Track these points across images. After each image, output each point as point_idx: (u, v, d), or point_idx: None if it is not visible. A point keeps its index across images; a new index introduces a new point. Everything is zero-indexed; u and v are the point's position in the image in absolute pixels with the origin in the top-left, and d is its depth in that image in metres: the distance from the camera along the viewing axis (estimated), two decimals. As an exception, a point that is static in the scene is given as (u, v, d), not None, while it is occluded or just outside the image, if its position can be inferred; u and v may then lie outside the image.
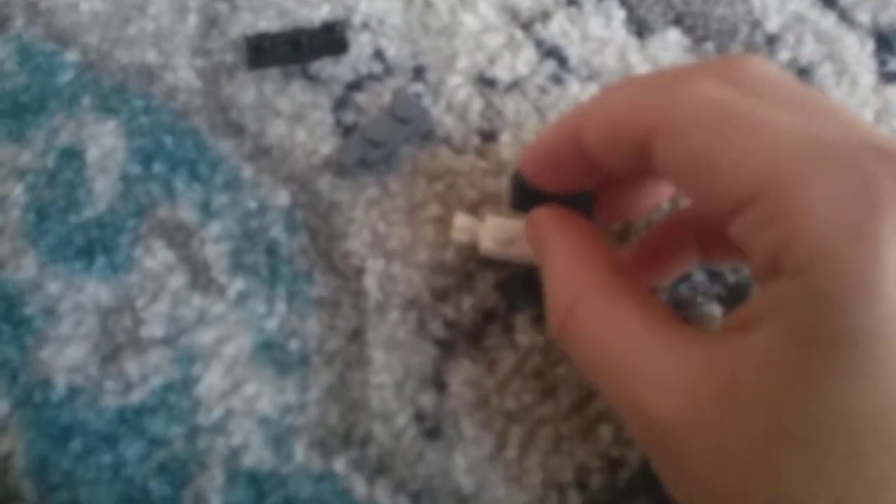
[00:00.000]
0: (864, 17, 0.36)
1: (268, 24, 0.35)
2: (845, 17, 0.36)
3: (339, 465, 0.27)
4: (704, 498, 0.20)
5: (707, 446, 0.19)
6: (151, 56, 0.34)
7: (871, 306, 0.17)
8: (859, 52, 0.35)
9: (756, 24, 0.35)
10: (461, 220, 0.29)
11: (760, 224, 0.19)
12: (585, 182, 0.25)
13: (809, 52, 0.35)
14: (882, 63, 0.35)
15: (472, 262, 0.30)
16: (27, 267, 0.30)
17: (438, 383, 0.28)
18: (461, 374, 0.28)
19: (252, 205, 0.31)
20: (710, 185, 0.20)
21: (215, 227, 0.31)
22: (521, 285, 0.30)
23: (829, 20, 0.36)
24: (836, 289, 0.17)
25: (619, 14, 0.36)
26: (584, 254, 0.24)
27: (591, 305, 0.22)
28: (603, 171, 0.24)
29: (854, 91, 0.34)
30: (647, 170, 0.22)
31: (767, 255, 0.19)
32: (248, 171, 0.32)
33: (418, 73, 0.34)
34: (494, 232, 0.29)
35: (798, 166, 0.18)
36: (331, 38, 0.34)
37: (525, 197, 0.26)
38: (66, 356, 0.29)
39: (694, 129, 0.20)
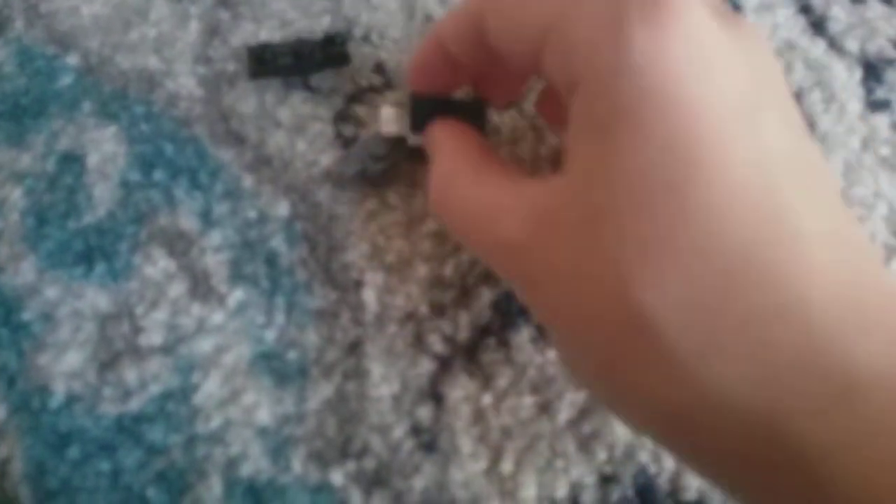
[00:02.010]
0: (852, 46, 0.37)
1: (269, 33, 0.35)
2: (834, 45, 0.37)
3: (337, 476, 0.28)
4: (550, 300, 0.23)
5: (545, 255, 0.22)
6: (152, 62, 0.34)
7: (621, 91, 0.20)
8: (847, 79, 0.36)
9: (749, 50, 0.36)
10: (388, 112, 0.30)
11: (551, 57, 0.23)
12: (456, 80, 0.29)
13: (799, 78, 0.36)
14: (869, 91, 0.36)
15: (471, 278, 0.31)
16: (26, 271, 0.30)
17: (435, 397, 0.29)
18: (458, 388, 0.29)
19: (252, 214, 0.31)
20: (519, 40, 0.24)
21: (215, 236, 0.31)
22: (517, 303, 0.30)
23: (818, 48, 0.37)
24: (597, 83, 0.21)
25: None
26: (458, 141, 0.27)
27: (463, 176, 0.26)
28: (464, 67, 0.28)
29: (842, 118, 0.35)
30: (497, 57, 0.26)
31: (563, 81, 0.23)
32: (248, 181, 0.32)
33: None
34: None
35: (562, 5, 0.22)
36: (333, 51, 0.34)
37: (421, 117, 0.29)
38: (64, 362, 0.29)
39: (503, 4, 0.24)
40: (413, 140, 0.29)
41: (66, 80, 0.34)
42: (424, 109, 0.29)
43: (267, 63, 0.33)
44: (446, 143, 0.28)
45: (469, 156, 0.27)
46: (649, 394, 0.20)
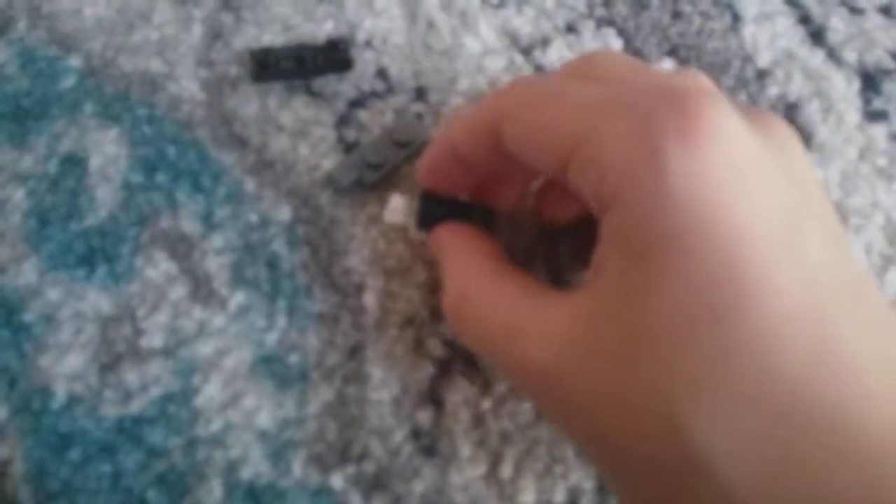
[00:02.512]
0: (851, 57, 0.37)
1: (272, 38, 0.35)
2: (833, 55, 0.37)
3: (337, 480, 0.28)
4: (590, 428, 0.22)
5: (580, 380, 0.21)
6: (155, 65, 0.34)
7: (662, 216, 0.20)
8: (846, 90, 0.36)
9: (747, 59, 0.37)
10: (396, 202, 0.30)
11: (581, 170, 0.22)
12: (468, 181, 0.28)
13: (798, 88, 0.36)
14: (867, 102, 0.36)
15: (471, 283, 0.31)
16: (27, 273, 0.30)
17: (435, 401, 0.29)
18: (457, 392, 0.29)
19: (254, 218, 0.31)
20: (542, 150, 0.24)
21: (217, 240, 0.31)
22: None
23: (817, 58, 0.37)
24: (635, 207, 0.20)
25: (617, 43, 0.37)
26: (472, 252, 0.27)
27: (478, 289, 0.25)
28: (476, 168, 0.27)
29: (840, 128, 0.35)
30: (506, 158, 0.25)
31: (594, 195, 0.22)
32: (250, 185, 0.32)
33: (420, 93, 0.35)
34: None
35: (593, 119, 0.22)
36: (336, 56, 0.34)
37: (429, 216, 0.29)
38: (65, 364, 0.29)
39: (525, 112, 0.24)
40: (416, 235, 0.30)
41: (68, 82, 0.34)
42: (433, 208, 0.29)
43: (270, 67, 0.33)
44: (459, 253, 0.27)
45: (483, 267, 0.26)
46: None
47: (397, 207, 0.30)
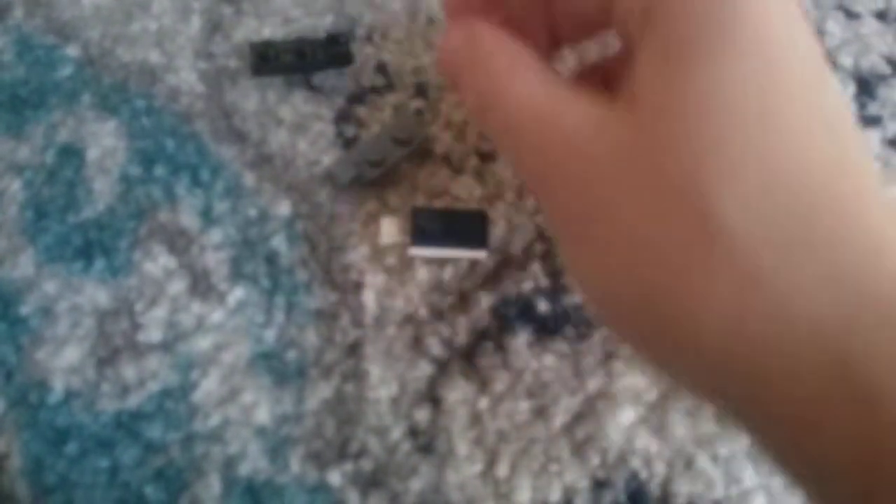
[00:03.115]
0: (846, 61, 0.37)
1: (272, 31, 0.35)
2: (829, 59, 0.37)
3: (334, 477, 0.28)
4: (608, 214, 0.22)
5: (611, 166, 0.22)
6: (154, 56, 0.34)
7: (701, 16, 0.21)
8: (841, 94, 0.37)
9: (746, 61, 0.37)
10: (388, 223, 0.31)
11: None
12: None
13: (795, 91, 0.36)
14: (862, 106, 0.36)
15: (469, 283, 0.31)
16: (24, 265, 0.30)
17: (433, 399, 0.29)
18: (455, 391, 0.29)
19: (253, 213, 0.31)
20: None
21: (216, 234, 0.31)
22: (515, 308, 0.31)
23: (814, 61, 0.37)
24: (673, 11, 0.21)
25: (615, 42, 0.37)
26: (518, 47, 0.25)
27: (525, 70, 0.24)
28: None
29: (835, 132, 0.36)
30: None
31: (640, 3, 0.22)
32: (249, 179, 0.32)
33: (420, 88, 0.34)
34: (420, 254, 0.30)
35: None
36: (336, 50, 0.34)
37: (423, 229, 0.30)
38: (62, 358, 0.29)
39: None
40: (413, 252, 0.30)
41: (65, 71, 0.33)
42: (426, 222, 0.30)
43: (269, 60, 0.33)
44: (503, 43, 0.25)
45: (530, 57, 0.25)
46: (712, 298, 0.20)
47: (390, 231, 0.31)
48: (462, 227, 0.30)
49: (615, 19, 0.24)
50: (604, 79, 0.27)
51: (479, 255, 0.30)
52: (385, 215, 0.31)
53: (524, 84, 0.24)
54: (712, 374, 0.21)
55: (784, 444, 0.21)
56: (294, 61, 0.33)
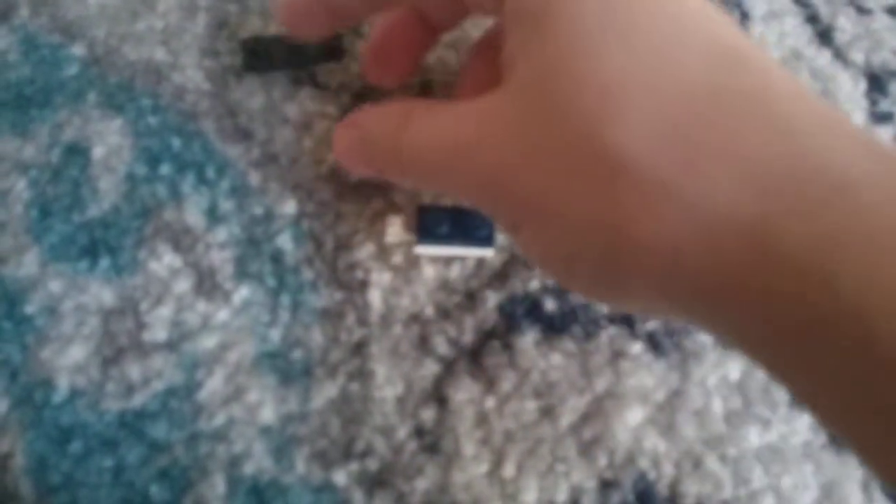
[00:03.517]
0: (857, 57, 0.37)
1: (278, 28, 0.35)
2: (840, 55, 0.37)
3: (340, 477, 0.28)
4: (532, 187, 0.22)
5: (506, 140, 0.23)
6: (159, 54, 0.34)
7: None
8: (852, 90, 0.36)
9: (755, 58, 0.36)
10: (394, 223, 0.31)
11: None
12: (328, 22, 0.29)
13: (805, 88, 0.36)
14: (873, 103, 0.36)
15: (475, 282, 0.31)
16: (29, 264, 0.30)
17: (439, 399, 0.29)
18: (461, 391, 0.29)
19: (258, 212, 0.31)
20: None
21: (221, 233, 0.31)
22: (522, 307, 0.30)
23: (824, 58, 0.37)
24: None
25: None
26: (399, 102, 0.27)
27: (421, 115, 0.26)
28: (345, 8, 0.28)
29: (846, 129, 0.35)
30: None
31: None
32: (254, 178, 0.32)
33: (425, 86, 0.34)
34: (426, 253, 0.30)
35: None
36: (327, 45, 0.34)
37: (429, 231, 0.30)
38: (67, 357, 0.28)
39: None
40: (420, 251, 0.30)
41: (71, 70, 0.33)
42: (432, 219, 0.30)
43: (260, 56, 0.33)
44: (373, 111, 0.28)
45: (401, 105, 0.27)
46: (643, 239, 0.20)
47: (396, 230, 0.31)
48: (469, 224, 0.29)
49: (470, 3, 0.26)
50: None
51: (487, 253, 0.30)
52: (391, 214, 0.31)
53: (417, 130, 0.25)
54: (662, 293, 0.21)
55: (728, 325, 0.21)
56: (285, 56, 0.33)
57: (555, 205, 0.22)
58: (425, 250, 0.30)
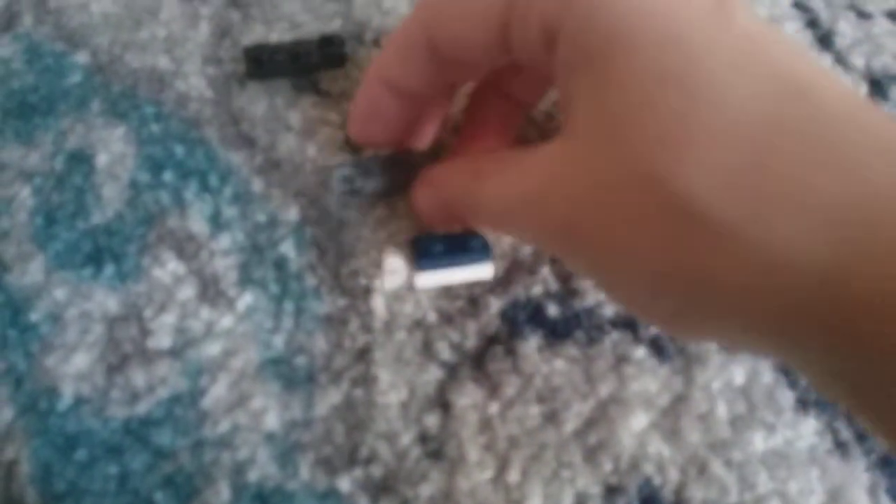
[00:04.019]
0: (858, 62, 0.37)
1: (280, 35, 0.35)
2: (841, 60, 0.37)
3: (344, 483, 0.28)
4: (581, 230, 0.23)
5: (569, 193, 0.23)
6: (163, 62, 0.34)
7: (604, 21, 0.22)
8: (853, 95, 0.36)
9: (756, 63, 0.37)
10: (392, 263, 0.30)
11: (522, 30, 0.24)
12: (403, 117, 0.29)
13: (806, 93, 0.36)
14: (874, 107, 0.36)
15: (478, 288, 0.31)
16: (34, 272, 0.30)
17: (443, 405, 0.29)
18: (465, 396, 0.29)
19: (262, 219, 0.31)
20: (478, 33, 0.25)
21: (225, 240, 0.31)
22: (525, 312, 0.30)
23: (825, 62, 0.37)
24: (579, 16, 0.22)
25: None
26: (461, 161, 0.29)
27: (491, 171, 0.26)
28: (411, 95, 0.28)
29: (847, 134, 0.35)
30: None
31: (543, 36, 0.23)
32: (258, 185, 0.32)
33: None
34: (425, 283, 0.30)
35: None
36: (330, 52, 0.34)
37: (425, 257, 0.29)
38: (72, 364, 0.29)
39: (450, 7, 0.25)
40: (420, 284, 0.30)
41: (74, 78, 0.33)
42: (427, 246, 0.29)
43: (263, 63, 0.33)
44: (449, 166, 0.29)
45: (474, 158, 0.28)
46: (717, 280, 0.20)
47: (396, 269, 0.30)
48: (463, 241, 0.29)
49: (525, 61, 0.25)
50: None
51: (486, 271, 0.30)
52: (388, 254, 0.31)
53: (491, 186, 0.26)
54: (743, 334, 0.21)
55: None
56: (288, 64, 0.33)
57: (630, 251, 0.22)
58: (425, 281, 0.30)
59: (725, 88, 0.20)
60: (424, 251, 0.29)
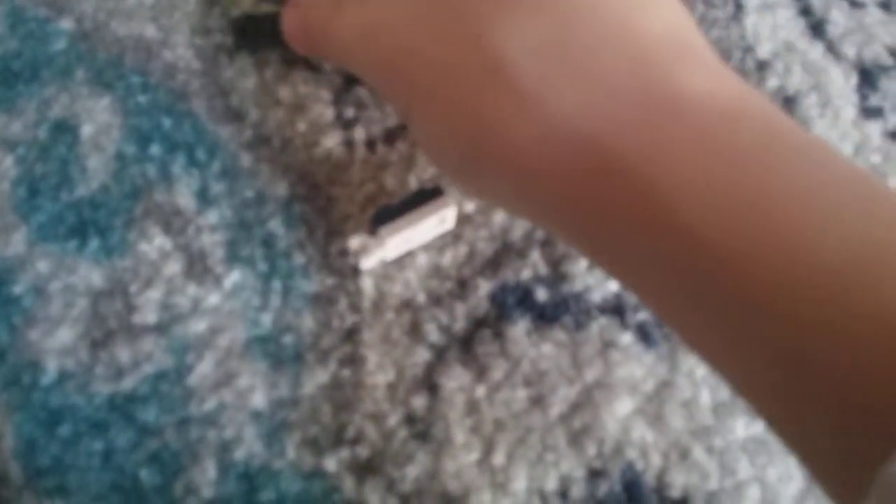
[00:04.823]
0: (849, 51, 0.37)
1: (270, 6, 0.34)
2: (832, 49, 0.37)
3: (330, 463, 0.28)
4: (421, 76, 0.25)
5: (406, 33, 0.25)
6: (149, 31, 0.33)
7: None
8: (843, 85, 0.36)
9: (748, 50, 0.37)
10: (354, 243, 0.30)
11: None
12: None
13: (797, 81, 0.36)
14: (863, 97, 0.36)
15: (467, 269, 0.31)
16: (16, 243, 0.29)
17: (430, 387, 0.29)
18: (452, 379, 0.29)
19: (249, 194, 0.31)
20: None
21: (212, 215, 0.30)
22: (514, 296, 0.30)
23: (816, 51, 0.37)
24: None
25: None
26: None
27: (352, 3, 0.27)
28: None
29: (836, 123, 0.35)
30: None
31: None
32: (246, 160, 0.31)
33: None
34: (393, 239, 0.29)
35: None
36: None
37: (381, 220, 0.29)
38: (56, 338, 0.28)
39: None
40: (390, 244, 0.29)
41: (59, 45, 0.33)
42: (384, 213, 0.29)
43: (248, 34, 0.33)
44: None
45: None
46: (506, 136, 0.22)
47: (362, 246, 0.29)
48: (420, 195, 0.29)
49: None
50: None
51: (447, 211, 0.29)
52: (353, 234, 0.30)
53: (346, 15, 0.27)
54: (517, 192, 0.24)
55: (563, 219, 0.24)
56: (277, 35, 0.33)
57: (437, 89, 0.24)
58: (390, 237, 0.29)
59: None
60: (380, 210, 0.29)
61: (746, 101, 0.21)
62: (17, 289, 0.29)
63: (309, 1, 0.29)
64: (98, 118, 0.31)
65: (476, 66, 0.23)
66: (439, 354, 0.29)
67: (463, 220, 0.31)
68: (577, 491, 0.28)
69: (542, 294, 0.31)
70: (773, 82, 0.36)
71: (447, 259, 0.31)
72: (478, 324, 0.30)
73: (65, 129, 0.31)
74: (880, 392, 0.17)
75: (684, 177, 0.20)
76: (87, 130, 0.31)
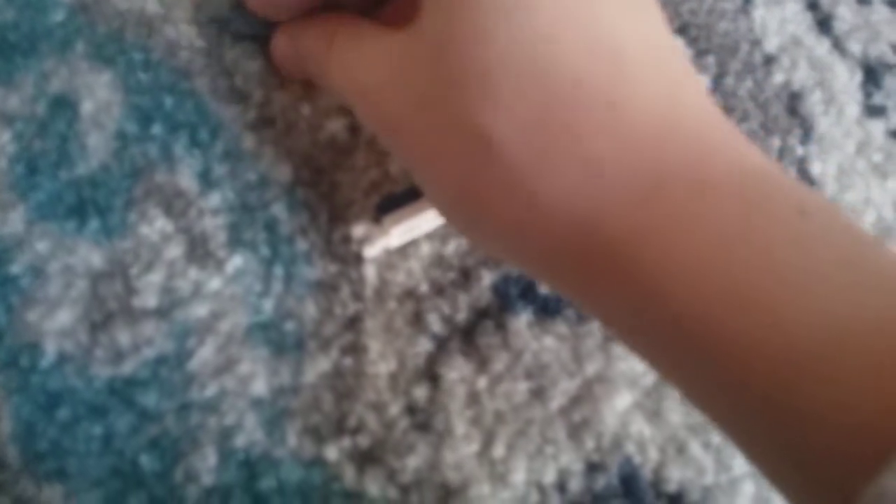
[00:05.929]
0: (855, 48, 0.37)
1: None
2: (838, 45, 0.37)
3: (331, 452, 0.28)
4: (412, 140, 0.25)
5: (399, 96, 0.24)
6: (151, 5, 0.32)
7: None
8: (848, 82, 0.36)
9: (756, 43, 0.36)
10: (360, 230, 0.30)
11: None
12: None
13: (803, 77, 0.36)
14: (868, 95, 0.36)
15: (472, 260, 0.30)
16: (14, 222, 0.29)
17: (432, 377, 0.29)
18: (454, 370, 0.29)
19: (252, 177, 0.30)
20: None
21: (214, 198, 0.30)
22: (517, 287, 0.30)
23: (823, 47, 0.37)
24: None
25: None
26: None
27: (344, 40, 0.27)
28: None
29: (840, 121, 0.35)
30: None
31: None
32: (249, 142, 0.31)
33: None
34: (397, 227, 0.29)
35: None
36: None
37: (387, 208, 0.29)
38: (55, 320, 0.28)
39: None
40: (394, 233, 0.29)
41: (58, 17, 0.32)
42: (389, 199, 0.30)
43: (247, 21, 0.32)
44: (312, 21, 0.29)
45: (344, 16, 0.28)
46: (495, 211, 0.23)
47: (365, 234, 0.30)
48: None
49: None
50: None
51: None
52: (356, 222, 0.30)
53: (341, 53, 0.26)
54: (518, 261, 0.25)
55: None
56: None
57: (434, 163, 0.24)
58: (395, 225, 0.29)
59: (544, 36, 0.22)
60: (385, 199, 0.29)
61: (732, 175, 0.21)
62: (15, 268, 0.28)
63: (301, 33, 0.29)
64: (98, 94, 0.31)
65: (469, 145, 0.22)
66: (441, 345, 0.29)
67: (468, 209, 0.31)
68: (575, 484, 0.28)
69: (544, 286, 0.30)
70: (778, 77, 0.36)
71: (450, 249, 0.30)
72: (480, 314, 0.30)
73: (64, 104, 0.30)
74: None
75: (672, 258, 0.20)
76: (87, 107, 0.30)
